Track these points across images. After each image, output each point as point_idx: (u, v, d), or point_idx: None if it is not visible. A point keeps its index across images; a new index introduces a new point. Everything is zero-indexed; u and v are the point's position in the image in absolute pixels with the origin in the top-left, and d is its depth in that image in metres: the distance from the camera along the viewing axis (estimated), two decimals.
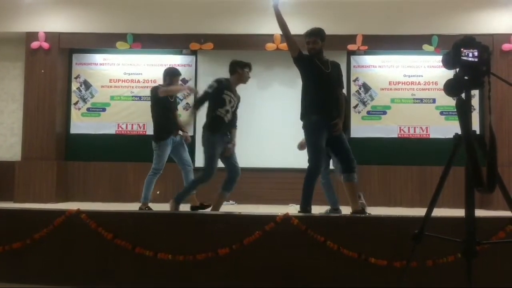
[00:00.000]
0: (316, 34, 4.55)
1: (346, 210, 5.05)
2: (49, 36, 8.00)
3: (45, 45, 7.98)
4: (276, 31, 7.84)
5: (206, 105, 5.00)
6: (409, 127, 8.12)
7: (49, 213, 3.69)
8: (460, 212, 2.61)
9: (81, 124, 8.34)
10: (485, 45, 2.44)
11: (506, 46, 7.66)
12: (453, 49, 2.42)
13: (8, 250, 3.50)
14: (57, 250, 3.52)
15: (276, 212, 3.48)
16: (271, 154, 7.47)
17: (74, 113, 8.36)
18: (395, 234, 3.29)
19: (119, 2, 7.90)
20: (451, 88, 2.45)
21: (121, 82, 8.37)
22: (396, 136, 8.13)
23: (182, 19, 7.91)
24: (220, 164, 5.01)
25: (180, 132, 5.80)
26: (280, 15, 4.45)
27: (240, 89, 8.85)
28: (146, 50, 8.15)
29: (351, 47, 7.88)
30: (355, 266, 3.32)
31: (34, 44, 7.96)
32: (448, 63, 2.48)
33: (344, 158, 4.40)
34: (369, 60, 8.26)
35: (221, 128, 4.88)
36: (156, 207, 6.80)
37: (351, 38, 7.84)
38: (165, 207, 6.68)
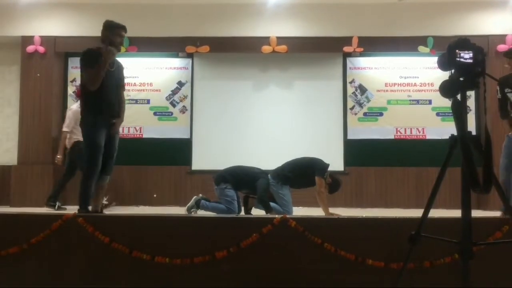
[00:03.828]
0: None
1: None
2: (45, 40, 7.99)
3: (41, 49, 7.97)
4: (272, 33, 7.93)
5: None
6: (405, 129, 8.14)
7: (45, 217, 3.68)
8: (456, 213, 2.62)
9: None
10: (479, 46, 2.45)
11: (501, 47, 7.68)
12: (448, 50, 2.42)
13: (5, 255, 3.49)
14: (54, 255, 3.50)
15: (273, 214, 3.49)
16: (266, 156, 7.47)
17: None
18: (392, 235, 3.29)
19: (115, 6, 7.90)
20: (446, 89, 2.46)
21: None
22: (392, 137, 8.15)
23: (178, 22, 7.91)
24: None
25: None
26: None
27: (236, 92, 8.93)
28: (142, 53, 8.15)
29: (347, 49, 7.91)
30: (352, 268, 3.32)
31: (30, 48, 7.95)
32: (443, 65, 2.49)
33: (107, 159, 4.36)
34: (365, 61, 8.28)
35: None
36: (153, 210, 6.80)
37: (347, 40, 7.86)
38: (162, 210, 6.69)
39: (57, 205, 6.68)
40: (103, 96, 4.27)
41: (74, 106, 6.98)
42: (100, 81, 4.22)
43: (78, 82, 8.31)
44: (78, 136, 6.20)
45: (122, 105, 4.49)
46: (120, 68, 4.54)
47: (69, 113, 6.91)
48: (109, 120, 4.35)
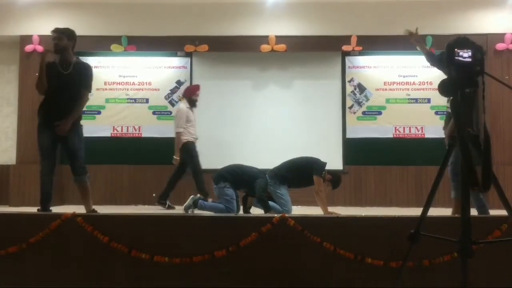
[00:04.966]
0: (62, 32, 4.54)
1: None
2: (43, 39, 7.95)
3: (39, 48, 7.94)
4: (271, 32, 7.92)
5: None
6: (404, 127, 8.14)
7: (44, 217, 3.69)
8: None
9: None
10: (478, 45, 2.45)
11: (500, 46, 7.69)
12: (446, 49, 2.43)
13: (4, 254, 3.49)
14: (53, 254, 3.51)
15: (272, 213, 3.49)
16: (265, 155, 7.46)
17: None
18: (392, 234, 3.29)
19: (114, 5, 7.89)
20: (445, 88, 2.46)
21: (116, 84, 8.34)
22: (391, 136, 8.14)
23: (177, 21, 7.90)
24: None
25: None
26: None
27: (235, 91, 8.89)
28: (141, 52, 8.13)
29: (345, 48, 7.90)
30: (351, 267, 3.32)
31: (28, 48, 7.93)
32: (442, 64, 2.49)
33: (71, 160, 4.57)
34: (363, 60, 8.27)
35: None
36: (152, 209, 6.80)
37: (346, 39, 7.85)
38: (161, 209, 6.69)
39: (167, 204, 6.70)
40: (47, 100, 4.52)
41: (181, 105, 6.89)
42: (41, 86, 4.49)
43: None
44: (187, 137, 6.58)
45: (77, 102, 4.58)
46: (79, 69, 4.54)
47: (178, 114, 6.75)
48: (52, 123, 4.46)
